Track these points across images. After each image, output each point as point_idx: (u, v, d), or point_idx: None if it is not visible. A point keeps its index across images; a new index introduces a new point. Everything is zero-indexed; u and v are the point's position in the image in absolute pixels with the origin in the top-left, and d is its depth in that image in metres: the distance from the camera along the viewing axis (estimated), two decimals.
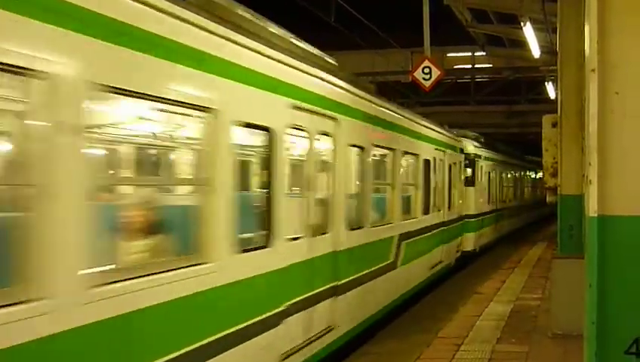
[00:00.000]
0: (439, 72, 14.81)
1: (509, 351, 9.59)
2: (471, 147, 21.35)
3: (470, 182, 21.07)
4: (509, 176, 30.19)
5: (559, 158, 10.65)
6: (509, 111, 31.59)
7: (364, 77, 25.31)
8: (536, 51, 17.77)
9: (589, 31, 4.53)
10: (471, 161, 21.05)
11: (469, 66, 34.77)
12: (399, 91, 26.67)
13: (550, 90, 23.35)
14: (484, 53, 27.24)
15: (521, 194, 33.95)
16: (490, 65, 34.77)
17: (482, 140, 23.90)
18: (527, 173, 37.73)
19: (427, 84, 14.76)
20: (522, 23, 15.56)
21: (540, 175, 33.72)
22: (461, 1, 17.82)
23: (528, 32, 15.86)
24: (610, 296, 4.33)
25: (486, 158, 23.66)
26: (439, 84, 20.58)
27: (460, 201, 18.91)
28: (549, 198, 11.96)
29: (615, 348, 4.36)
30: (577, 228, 10.33)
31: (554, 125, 11.04)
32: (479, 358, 9.24)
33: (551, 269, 11.13)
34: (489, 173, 24.24)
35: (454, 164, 17.75)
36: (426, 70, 14.67)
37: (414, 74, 14.98)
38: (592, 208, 4.41)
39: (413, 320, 11.97)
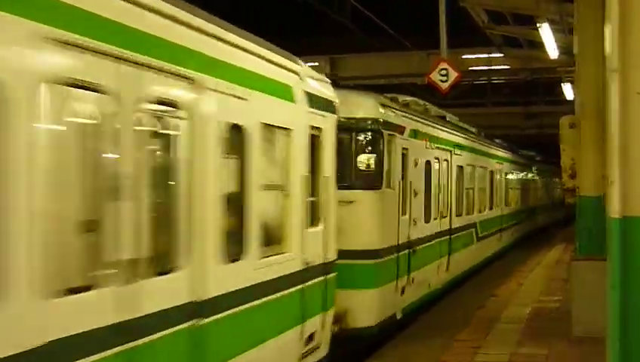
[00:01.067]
0: (456, 74, 14.75)
1: (529, 354, 9.54)
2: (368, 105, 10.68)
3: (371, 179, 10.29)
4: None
5: (578, 160, 10.59)
6: (525, 113, 31.46)
7: (381, 79, 25.34)
8: (553, 52, 17.67)
9: (610, 31, 4.49)
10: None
11: (486, 68, 34.59)
12: (415, 93, 26.58)
13: (567, 91, 23.21)
14: (500, 55, 27.06)
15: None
16: (507, 67, 34.59)
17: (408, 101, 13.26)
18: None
19: (444, 86, 14.70)
20: (539, 24, 15.47)
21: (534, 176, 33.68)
22: (477, 2, 17.73)
23: (545, 32, 15.77)
24: (633, 297, 4.29)
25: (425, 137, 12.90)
26: (455, 86, 20.49)
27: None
28: (567, 200, 11.87)
29: (638, 349, 4.32)
30: (596, 230, 10.26)
31: (572, 126, 10.97)
32: (498, 361, 9.20)
33: (570, 271, 11.07)
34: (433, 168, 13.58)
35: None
36: (443, 72, 14.62)
37: (431, 76, 14.93)
38: (614, 209, 4.37)
39: (431, 323, 11.92)
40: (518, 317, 11.99)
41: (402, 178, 11.21)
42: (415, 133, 12.13)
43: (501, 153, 23.21)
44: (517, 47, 23.86)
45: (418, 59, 30.57)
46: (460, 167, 15.92)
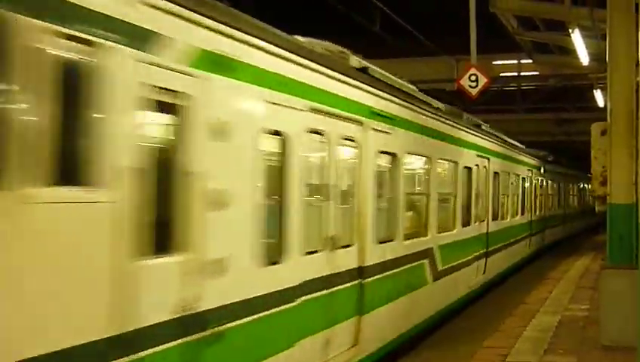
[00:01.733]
0: (486, 80, 14.69)
1: None
2: None
3: None
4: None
5: (609, 167, 10.47)
6: (556, 120, 31.19)
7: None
8: (584, 58, 17.51)
9: None
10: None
11: (515, 74, 34.39)
12: (442, 99, 26.52)
13: (599, 97, 22.98)
14: (530, 61, 26.90)
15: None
16: (537, 73, 34.37)
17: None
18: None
19: (474, 91, 14.64)
20: (571, 30, 15.34)
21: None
22: (507, 8, 17.63)
23: (577, 39, 15.64)
24: None
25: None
26: (485, 92, 20.39)
27: None
28: (597, 207, 11.74)
29: None
30: (627, 238, 10.13)
31: (603, 133, 10.85)
32: None
33: (600, 280, 10.94)
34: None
35: None
36: (473, 78, 14.56)
37: (460, 81, 14.88)
38: None
39: (458, 330, 11.86)
40: (547, 325, 11.88)
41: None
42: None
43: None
44: (547, 53, 23.69)
45: (446, 64, 30.52)
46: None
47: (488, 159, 15.77)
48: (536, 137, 31.47)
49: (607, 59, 10.63)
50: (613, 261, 10.39)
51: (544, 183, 26.07)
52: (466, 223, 13.62)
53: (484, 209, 15.20)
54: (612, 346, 9.74)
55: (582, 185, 39.93)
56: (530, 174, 22.37)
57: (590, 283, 16.40)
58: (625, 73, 10.11)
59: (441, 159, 11.83)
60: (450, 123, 12.62)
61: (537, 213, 24.03)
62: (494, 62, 34.95)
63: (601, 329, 10.20)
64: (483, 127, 16.33)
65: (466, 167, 13.64)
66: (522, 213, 20.84)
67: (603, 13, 11.99)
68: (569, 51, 19.38)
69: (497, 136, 17.92)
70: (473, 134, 14.41)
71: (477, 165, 14.63)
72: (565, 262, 22.71)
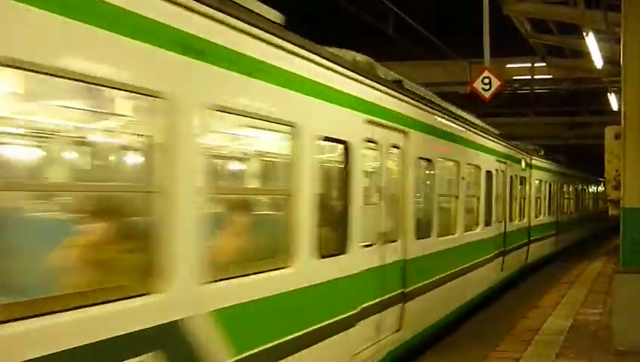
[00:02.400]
0: (499, 83, 14.66)
1: None
2: None
3: None
4: None
5: (622, 170, 10.43)
6: (570, 123, 31.08)
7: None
8: (598, 62, 17.46)
9: None
10: None
11: (529, 77, 34.32)
12: (456, 102, 26.51)
13: (613, 101, 22.90)
14: (544, 64, 26.85)
15: None
16: (551, 76, 34.30)
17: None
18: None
19: (487, 94, 14.62)
20: (585, 33, 15.31)
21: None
22: (521, 11, 17.60)
23: (591, 42, 15.60)
24: None
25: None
26: (498, 95, 20.35)
27: None
28: (611, 211, 11.71)
29: None
30: None
31: (617, 137, 10.84)
32: None
33: (612, 284, 10.90)
34: None
35: None
36: (486, 80, 14.54)
37: (474, 84, 14.86)
38: None
39: (471, 334, 11.84)
40: (560, 329, 11.83)
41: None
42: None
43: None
44: (561, 56, 23.64)
45: (460, 67, 30.49)
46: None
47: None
48: (549, 141, 31.37)
49: (620, 62, 10.60)
50: (626, 265, 10.34)
51: (527, 182, 20.64)
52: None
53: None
54: (624, 351, 9.70)
55: (583, 187, 33.83)
56: (502, 168, 16.45)
57: (603, 288, 16.33)
58: (638, 77, 10.07)
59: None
60: None
61: (516, 221, 18.36)
62: (508, 66, 34.92)
63: (613, 334, 10.16)
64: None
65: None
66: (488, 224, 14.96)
67: (617, 17, 11.96)
68: (582, 54, 19.35)
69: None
70: None
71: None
72: (578, 266, 22.63)
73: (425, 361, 9.94)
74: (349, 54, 8.24)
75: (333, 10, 18.58)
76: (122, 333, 4.05)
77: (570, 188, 29.32)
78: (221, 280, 5.04)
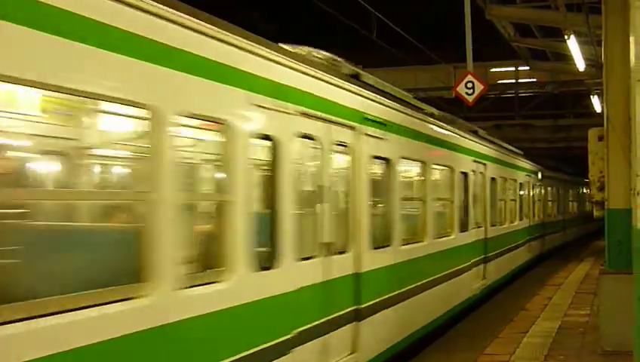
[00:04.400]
0: (482, 87, 14.71)
1: None
2: None
3: None
4: None
5: (606, 172, 10.50)
6: (554, 126, 31.24)
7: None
8: (580, 64, 17.56)
9: (633, 41, 4.48)
10: None
11: (513, 81, 34.50)
12: (441, 107, 26.66)
13: (596, 103, 23.03)
14: (527, 68, 27.00)
15: None
16: (534, 80, 34.49)
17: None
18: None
19: (470, 98, 14.67)
20: (566, 36, 15.39)
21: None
22: (503, 15, 17.70)
23: (573, 45, 15.69)
24: None
25: None
26: (483, 99, 20.46)
27: None
28: (596, 213, 11.76)
29: None
30: (626, 243, 10.12)
31: (600, 139, 10.88)
32: None
33: (599, 285, 10.95)
34: None
35: None
36: (469, 85, 14.59)
37: (457, 89, 14.91)
38: (639, 220, 4.34)
39: (459, 337, 11.86)
40: (548, 331, 11.88)
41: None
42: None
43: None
44: (544, 60, 23.78)
45: (445, 72, 30.64)
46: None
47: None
48: (534, 144, 31.54)
49: (603, 64, 10.67)
50: (612, 266, 10.40)
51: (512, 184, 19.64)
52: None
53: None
54: (612, 351, 9.75)
55: (558, 190, 30.49)
56: (481, 169, 15.47)
57: (590, 289, 16.40)
58: (621, 78, 10.14)
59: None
60: None
61: (501, 225, 17.68)
62: (492, 70, 35.08)
63: (601, 335, 10.21)
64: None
65: None
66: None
67: (598, 19, 12.04)
68: (566, 58, 19.44)
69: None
70: None
71: None
72: (565, 268, 22.72)
73: None
74: (306, 50, 7.83)
75: (317, 16, 18.65)
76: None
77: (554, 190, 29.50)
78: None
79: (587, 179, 12.46)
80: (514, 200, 19.84)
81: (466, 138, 14.23)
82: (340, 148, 7.82)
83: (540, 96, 31.90)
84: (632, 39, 4.63)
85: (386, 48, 19.54)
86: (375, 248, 8.56)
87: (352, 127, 7.93)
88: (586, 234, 37.63)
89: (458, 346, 10.95)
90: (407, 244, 9.95)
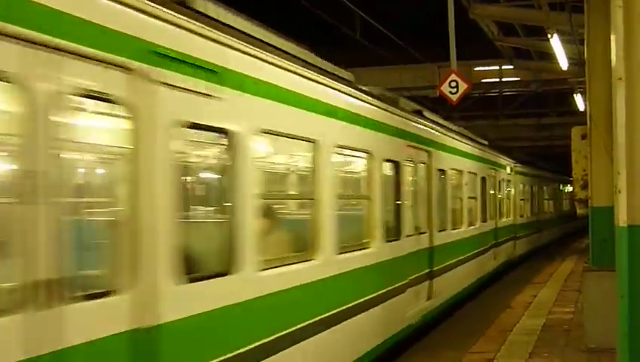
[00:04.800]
0: (466, 86, 14.75)
1: None
2: None
3: None
4: None
5: (589, 170, 10.55)
6: (537, 125, 31.40)
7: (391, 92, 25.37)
8: (564, 63, 17.65)
9: (615, 40, 4.50)
10: None
11: (497, 80, 34.63)
12: (425, 105, 26.74)
13: (579, 101, 23.16)
14: (511, 67, 27.11)
15: None
16: (518, 79, 34.64)
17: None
18: None
19: (454, 97, 14.70)
20: (549, 35, 15.47)
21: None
22: (487, 14, 17.76)
23: (556, 43, 15.76)
24: None
25: None
26: (467, 98, 20.51)
27: None
28: (579, 211, 11.82)
29: None
30: (609, 241, 10.16)
31: (583, 137, 10.94)
32: None
33: (583, 282, 11.01)
34: None
35: None
36: (453, 84, 14.62)
37: (441, 88, 14.94)
38: (621, 218, 4.36)
39: (444, 335, 11.88)
40: (532, 328, 11.93)
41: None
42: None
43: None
44: (528, 59, 23.88)
45: (429, 71, 30.69)
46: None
47: None
48: (518, 143, 31.67)
49: (585, 63, 10.72)
50: (596, 263, 10.45)
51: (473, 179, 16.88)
52: None
53: None
54: (596, 348, 9.79)
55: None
56: (423, 158, 12.08)
57: (575, 286, 16.49)
58: (603, 76, 10.18)
59: None
60: None
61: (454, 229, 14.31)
62: (476, 69, 35.19)
63: (585, 332, 10.26)
64: None
65: None
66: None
67: (581, 18, 12.10)
68: (549, 56, 19.54)
69: None
70: None
71: None
72: (550, 266, 22.84)
73: None
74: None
75: (301, 15, 18.63)
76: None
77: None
78: None
79: (568, 176, 12.46)
80: (474, 198, 16.52)
81: (397, 116, 10.47)
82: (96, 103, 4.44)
83: (523, 94, 32.05)
84: (613, 38, 4.65)
85: (370, 47, 19.55)
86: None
87: (125, 68, 4.47)
88: (566, 235, 37.36)
89: (443, 345, 10.97)
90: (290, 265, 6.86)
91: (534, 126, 31.49)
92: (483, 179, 17.83)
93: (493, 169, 19.65)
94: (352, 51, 21.21)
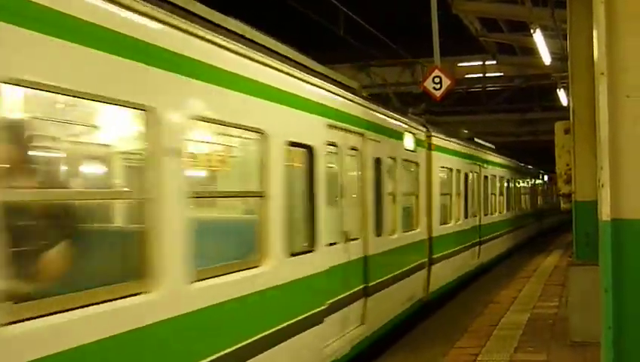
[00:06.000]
0: (449, 81, 14.77)
1: (527, 360, 9.52)
2: None
3: None
4: None
5: (573, 165, 10.59)
6: (521, 120, 31.52)
7: (375, 88, 25.37)
8: (547, 58, 17.70)
9: (597, 35, 4.51)
10: None
11: (480, 75, 34.69)
12: (409, 102, 26.75)
13: (562, 96, 23.26)
14: (494, 62, 27.17)
15: None
16: (502, 74, 34.73)
17: None
18: None
19: (438, 93, 14.72)
20: (532, 30, 15.51)
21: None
22: (470, 10, 17.79)
23: (538, 39, 15.81)
24: (626, 301, 4.28)
25: None
26: (451, 94, 20.52)
27: None
28: (563, 205, 11.87)
29: (632, 353, 4.30)
30: (593, 235, 10.21)
31: (567, 132, 10.99)
32: None
33: (567, 276, 11.05)
34: None
35: None
36: (437, 80, 14.63)
37: (425, 84, 14.95)
38: (604, 212, 4.37)
39: (429, 331, 11.91)
40: (517, 323, 11.98)
41: None
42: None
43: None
44: (511, 54, 23.95)
45: (413, 68, 30.67)
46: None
47: None
48: (502, 138, 31.77)
49: (568, 58, 10.76)
50: (580, 257, 10.50)
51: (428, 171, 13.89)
52: None
53: None
54: (580, 342, 9.84)
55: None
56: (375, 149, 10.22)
57: (559, 281, 16.57)
58: (586, 71, 10.22)
59: None
60: None
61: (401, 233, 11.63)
62: (459, 65, 35.21)
63: (569, 326, 10.30)
64: None
65: None
66: None
67: (564, 14, 12.15)
68: (532, 52, 19.59)
69: None
70: None
71: None
72: (534, 260, 22.95)
73: (384, 361, 9.95)
74: None
75: (284, 11, 18.57)
76: None
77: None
78: None
79: (548, 170, 12.45)
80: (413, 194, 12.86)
81: (309, 84, 7.88)
82: None
83: (507, 90, 32.14)
84: (595, 33, 4.65)
85: (352, 44, 19.53)
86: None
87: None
88: (541, 234, 36.63)
89: (428, 341, 10.99)
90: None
91: (518, 121, 31.61)
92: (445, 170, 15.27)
93: (459, 159, 16.52)
94: (334, 48, 21.17)
